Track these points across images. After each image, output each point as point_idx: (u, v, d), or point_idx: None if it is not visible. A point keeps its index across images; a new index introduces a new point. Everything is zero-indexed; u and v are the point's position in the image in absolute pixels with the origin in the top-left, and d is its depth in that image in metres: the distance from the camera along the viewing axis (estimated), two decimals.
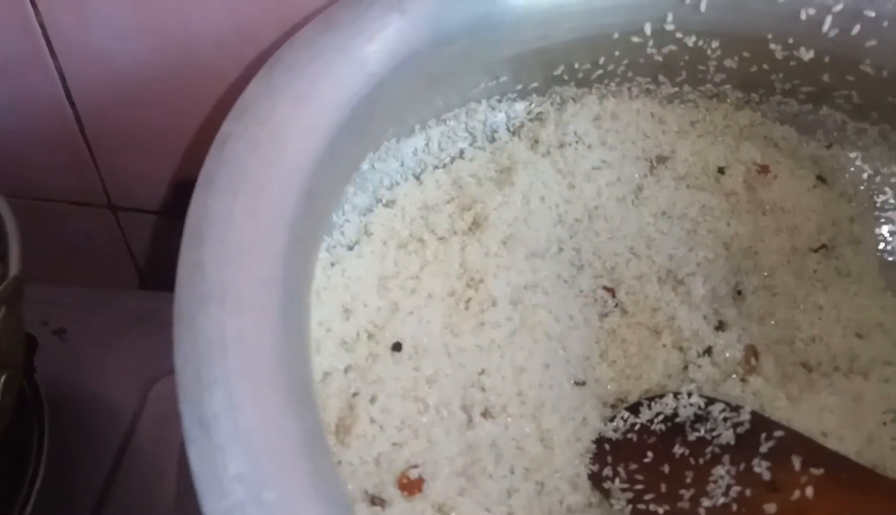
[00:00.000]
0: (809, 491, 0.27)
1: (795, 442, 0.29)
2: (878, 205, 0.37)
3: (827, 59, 0.33)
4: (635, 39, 0.34)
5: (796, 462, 0.28)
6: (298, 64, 0.25)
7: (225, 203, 0.21)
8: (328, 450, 0.20)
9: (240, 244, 0.20)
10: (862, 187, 0.38)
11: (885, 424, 0.32)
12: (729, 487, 0.28)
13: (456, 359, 0.33)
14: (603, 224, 0.37)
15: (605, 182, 0.37)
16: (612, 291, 0.36)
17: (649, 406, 0.33)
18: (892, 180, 0.37)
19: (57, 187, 0.44)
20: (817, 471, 0.27)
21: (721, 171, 0.38)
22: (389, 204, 0.36)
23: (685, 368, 0.34)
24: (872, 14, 0.31)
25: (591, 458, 0.32)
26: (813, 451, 0.28)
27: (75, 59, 0.37)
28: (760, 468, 0.28)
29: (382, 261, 0.34)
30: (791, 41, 0.33)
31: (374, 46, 0.26)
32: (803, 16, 0.32)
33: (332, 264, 0.33)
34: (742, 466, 0.29)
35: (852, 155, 0.37)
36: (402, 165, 0.36)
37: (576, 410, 0.33)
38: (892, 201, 0.37)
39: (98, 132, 0.41)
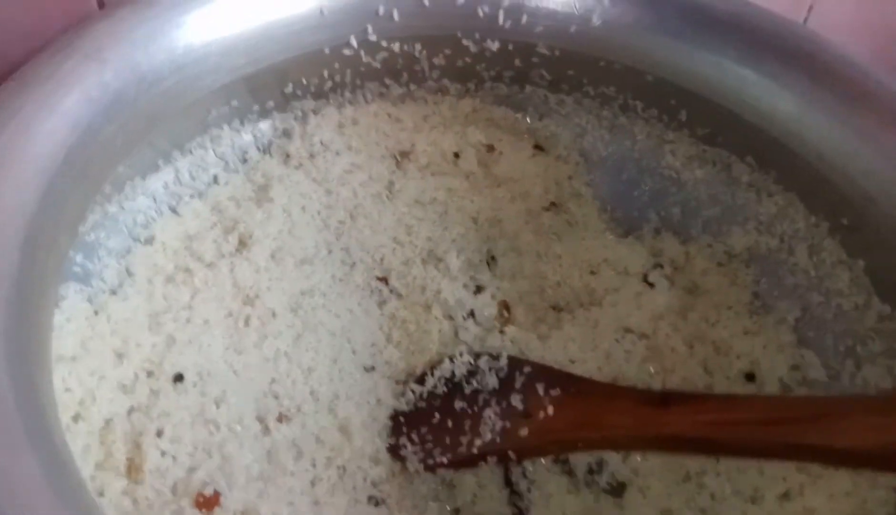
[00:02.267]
0: (550, 409, 0.32)
1: (539, 372, 0.34)
2: (587, 160, 0.44)
3: (511, 47, 0.39)
4: (347, 52, 0.37)
5: (540, 389, 0.33)
6: None
7: None
8: (63, 449, 0.21)
9: None
10: (573, 148, 0.44)
11: (617, 340, 0.38)
12: (495, 424, 0.33)
13: (243, 375, 0.34)
14: (364, 221, 0.40)
15: (359, 183, 0.41)
16: (384, 280, 0.39)
17: (432, 374, 0.36)
18: (592, 138, 0.43)
19: None
20: (555, 392, 0.32)
21: (456, 155, 0.42)
22: (148, 241, 0.36)
23: (456, 333, 0.38)
24: (533, 4, 0.37)
25: (388, 433, 0.35)
26: (552, 376, 0.34)
27: None
28: (516, 401, 0.33)
29: (150, 299, 0.34)
30: (478, 36, 0.38)
31: (75, 97, 0.26)
32: (480, 13, 0.37)
33: (96, 313, 0.33)
34: (504, 404, 0.33)
35: (559, 122, 0.44)
36: (155, 200, 0.37)
37: (369, 393, 0.36)
38: (595, 155, 0.44)
39: None
